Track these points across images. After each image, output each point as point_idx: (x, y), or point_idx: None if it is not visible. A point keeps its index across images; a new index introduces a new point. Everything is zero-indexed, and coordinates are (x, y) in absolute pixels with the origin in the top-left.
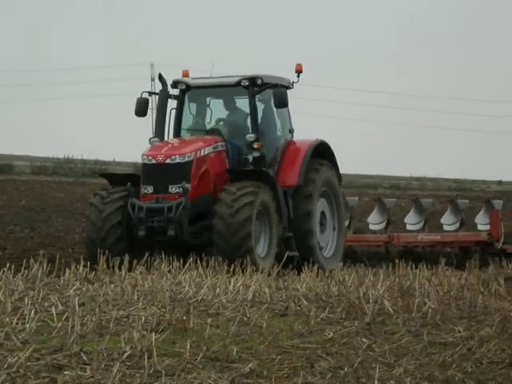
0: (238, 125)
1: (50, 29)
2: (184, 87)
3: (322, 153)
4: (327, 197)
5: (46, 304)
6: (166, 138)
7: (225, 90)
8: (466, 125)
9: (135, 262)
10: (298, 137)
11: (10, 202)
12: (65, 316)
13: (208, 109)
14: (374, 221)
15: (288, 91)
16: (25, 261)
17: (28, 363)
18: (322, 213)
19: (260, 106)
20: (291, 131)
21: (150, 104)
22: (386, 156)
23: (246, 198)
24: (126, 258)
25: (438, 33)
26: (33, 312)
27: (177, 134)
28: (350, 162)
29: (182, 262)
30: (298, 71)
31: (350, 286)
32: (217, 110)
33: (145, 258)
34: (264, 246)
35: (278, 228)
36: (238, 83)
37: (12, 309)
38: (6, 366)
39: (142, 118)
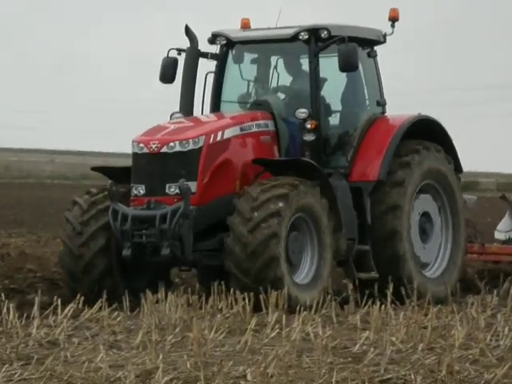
0: (303, 95)
1: None
2: (225, 42)
3: (429, 133)
4: (435, 193)
5: None
6: (199, 112)
7: (280, 46)
8: None
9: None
10: None
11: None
12: None
13: (264, 72)
14: (504, 228)
15: (378, 47)
16: None
17: (505, 380)
18: (425, 215)
19: (333, 70)
20: (381, 103)
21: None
22: None
23: (271, 204)
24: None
25: None
26: (506, 329)
27: (215, 107)
28: None
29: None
30: (393, 19)
31: None
32: (279, 73)
33: None
34: (309, 268)
35: (339, 240)
36: (295, 37)
37: (485, 325)
38: (482, 382)
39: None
